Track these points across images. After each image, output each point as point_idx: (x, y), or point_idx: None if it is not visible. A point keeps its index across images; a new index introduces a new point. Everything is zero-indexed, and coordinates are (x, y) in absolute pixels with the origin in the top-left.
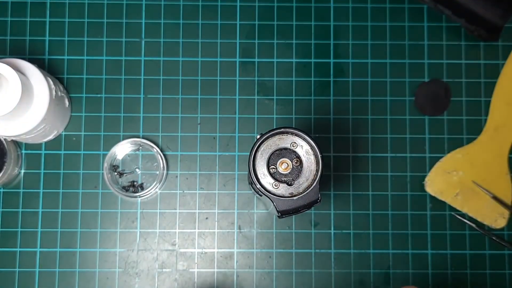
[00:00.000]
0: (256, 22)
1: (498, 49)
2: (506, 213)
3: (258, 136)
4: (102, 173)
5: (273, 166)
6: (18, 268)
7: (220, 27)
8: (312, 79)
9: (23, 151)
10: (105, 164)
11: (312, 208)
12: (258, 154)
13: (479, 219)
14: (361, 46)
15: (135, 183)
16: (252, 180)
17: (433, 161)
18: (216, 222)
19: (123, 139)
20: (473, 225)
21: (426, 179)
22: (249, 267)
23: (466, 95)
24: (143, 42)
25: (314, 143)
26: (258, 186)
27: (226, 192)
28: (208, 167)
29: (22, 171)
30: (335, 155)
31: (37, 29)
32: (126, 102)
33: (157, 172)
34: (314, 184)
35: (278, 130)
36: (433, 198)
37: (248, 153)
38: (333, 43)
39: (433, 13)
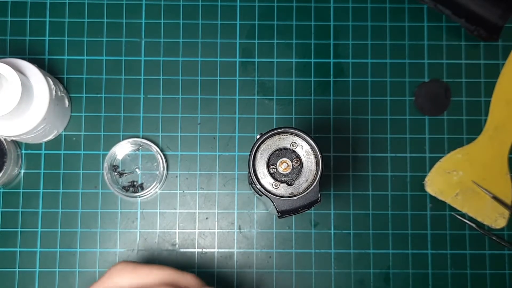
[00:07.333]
0: (256, 22)
1: (498, 49)
2: (506, 213)
3: (258, 136)
4: (102, 173)
5: (273, 166)
6: (18, 268)
7: (220, 27)
8: (312, 79)
9: (23, 151)
10: (105, 164)
11: (312, 208)
12: (258, 154)
13: (479, 219)
14: (361, 46)
15: (135, 183)
16: (252, 180)
17: (433, 161)
18: (216, 222)
19: (123, 139)
20: (473, 225)
21: (426, 179)
22: (249, 267)
23: (466, 95)
24: (143, 42)
25: (314, 143)
26: (258, 186)
27: (226, 192)
28: (208, 167)
29: (22, 171)
30: (335, 155)
31: (37, 29)
32: (126, 102)
33: (157, 172)
34: (314, 184)
35: (278, 130)
36: (433, 198)
37: (248, 153)
38: (333, 43)
39: (433, 13)
